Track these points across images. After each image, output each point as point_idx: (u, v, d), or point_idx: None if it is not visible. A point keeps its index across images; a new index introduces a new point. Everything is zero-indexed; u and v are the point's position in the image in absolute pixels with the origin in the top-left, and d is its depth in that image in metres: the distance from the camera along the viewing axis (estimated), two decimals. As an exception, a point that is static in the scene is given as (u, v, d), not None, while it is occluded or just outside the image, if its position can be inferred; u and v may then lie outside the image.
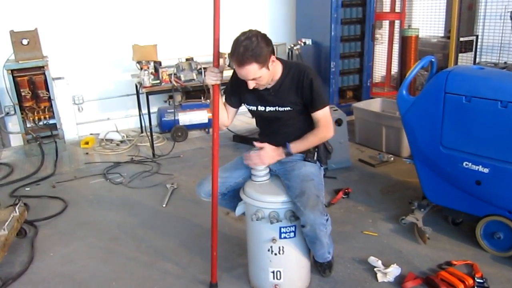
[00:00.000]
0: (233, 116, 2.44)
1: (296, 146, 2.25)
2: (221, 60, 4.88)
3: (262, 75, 2.08)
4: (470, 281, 2.31)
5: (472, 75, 2.57)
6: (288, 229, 2.20)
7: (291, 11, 5.86)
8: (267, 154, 2.25)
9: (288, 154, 2.25)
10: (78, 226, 3.23)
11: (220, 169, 2.35)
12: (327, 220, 2.18)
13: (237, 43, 2.02)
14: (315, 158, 2.31)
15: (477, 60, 5.33)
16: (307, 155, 2.31)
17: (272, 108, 2.28)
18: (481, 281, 2.34)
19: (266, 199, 2.17)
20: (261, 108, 2.31)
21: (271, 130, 2.37)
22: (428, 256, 2.66)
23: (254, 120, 2.48)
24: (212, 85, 2.16)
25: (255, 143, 2.32)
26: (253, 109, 2.35)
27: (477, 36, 5.35)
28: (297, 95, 2.22)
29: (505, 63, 5.04)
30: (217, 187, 2.27)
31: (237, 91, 2.35)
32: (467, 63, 5.16)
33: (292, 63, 2.30)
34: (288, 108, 2.25)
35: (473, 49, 5.33)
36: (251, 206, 2.21)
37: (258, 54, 2.00)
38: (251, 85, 2.12)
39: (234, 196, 2.45)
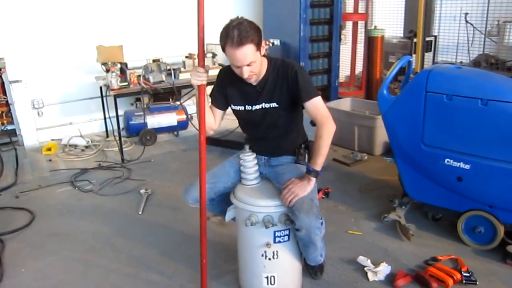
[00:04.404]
0: (220, 119, 2.35)
1: (317, 161, 2.11)
2: (190, 61, 4.78)
3: (256, 60, 2.04)
4: (458, 276, 2.36)
5: (452, 74, 2.63)
6: (282, 233, 2.15)
7: (258, 11, 5.82)
8: (300, 187, 2.07)
9: (317, 175, 2.12)
10: (49, 238, 3.04)
11: (208, 173, 2.27)
12: (321, 223, 2.15)
13: (229, 28, 1.98)
14: (306, 160, 2.28)
15: (435, 60, 5.52)
16: (298, 157, 2.28)
17: (258, 106, 2.22)
18: (468, 274, 2.39)
19: (260, 203, 2.12)
20: (248, 107, 2.25)
21: (260, 134, 2.32)
22: (414, 252, 2.70)
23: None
24: (198, 86, 2.09)
25: (283, 188, 2.12)
26: (240, 109, 2.28)
27: (435, 36, 5.55)
28: (283, 89, 2.17)
29: (461, 62, 5.26)
30: (205, 192, 2.19)
31: (223, 92, 2.29)
32: (428, 63, 5.33)
33: (277, 59, 2.25)
34: (275, 104, 2.20)
35: (432, 49, 5.52)
36: (244, 211, 2.15)
37: (253, 35, 1.98)
38: (246, 73, 2.05)
39: (222, 200, 2.39)
